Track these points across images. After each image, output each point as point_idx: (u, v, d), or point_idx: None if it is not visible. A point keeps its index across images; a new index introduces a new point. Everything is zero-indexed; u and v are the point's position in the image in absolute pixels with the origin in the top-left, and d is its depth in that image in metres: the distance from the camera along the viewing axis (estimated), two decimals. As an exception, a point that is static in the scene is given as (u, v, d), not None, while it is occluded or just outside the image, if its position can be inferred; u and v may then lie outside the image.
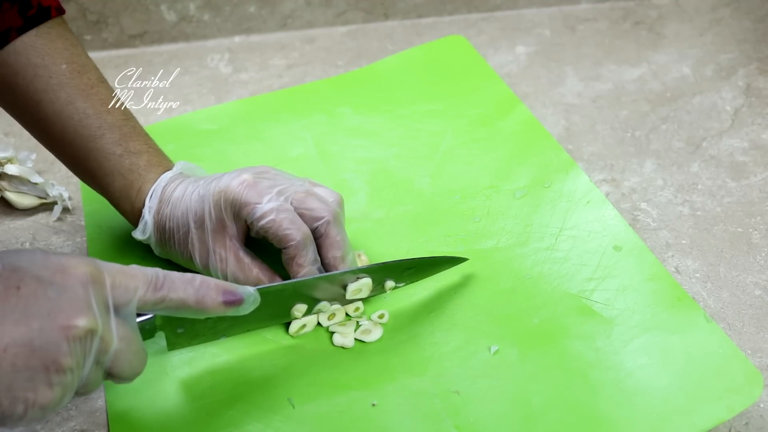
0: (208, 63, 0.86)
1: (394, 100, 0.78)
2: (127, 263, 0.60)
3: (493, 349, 0.54)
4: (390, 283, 0.57)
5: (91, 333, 0.40)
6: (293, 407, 0.51)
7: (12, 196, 0.67)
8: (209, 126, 0.74)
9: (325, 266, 0.56)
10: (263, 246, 0.57)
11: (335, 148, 0.72)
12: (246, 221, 0.54)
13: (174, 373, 0.53)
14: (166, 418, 0.51)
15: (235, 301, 0.47)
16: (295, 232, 0.53)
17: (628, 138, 0.76)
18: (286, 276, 0.56)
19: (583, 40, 0.89)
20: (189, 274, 0.46)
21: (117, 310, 0.42)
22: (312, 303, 0.55)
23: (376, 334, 0.55)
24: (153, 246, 0.59)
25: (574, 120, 0.78)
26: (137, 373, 0.44)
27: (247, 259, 0.55)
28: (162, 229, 0.57)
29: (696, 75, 0.84)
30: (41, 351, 0.38)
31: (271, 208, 0.53)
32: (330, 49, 0.88)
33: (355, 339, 0.55)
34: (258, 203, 0.53)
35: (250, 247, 0.56)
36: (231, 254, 0.55)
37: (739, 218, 0.67)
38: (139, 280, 0.43)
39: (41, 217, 0.67)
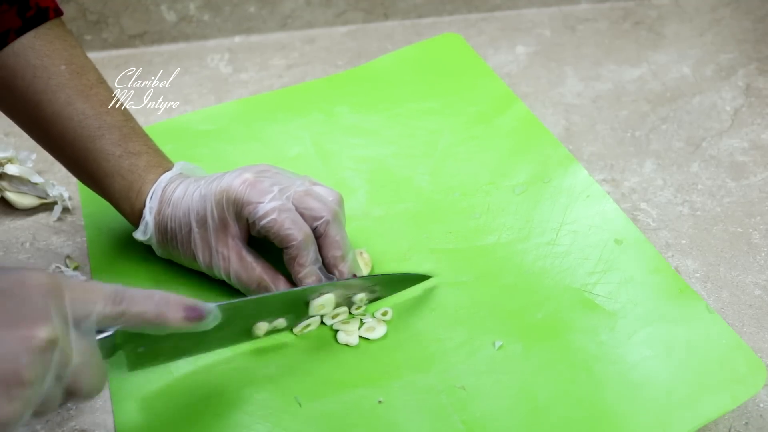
0: (208, 63, 0.86)
1: (391, 98, 0.78)
2: (128, 265, 0.60)
3: (498, 344, 0.54)
4: (360, 296, 0.56)
5: (51, 344, 0.39)
6: (300, 406, 0.51)
7: (12, 196, 0.67)
8: (207, 126, 0.74)
9: (325, 266, 0.56)
10: (265, 245, 0.57)
11: (333, 147, 0.72)
12: (248, 220, 0.54)
13: (179, 374, 0.53)
14: (174, 420, 0.51)
15: (196, 316, 0.45)
16: (297, 232, 0.53)
17: (628, 138, 0.76)
18: (288, 275, 0.56)
19: (583, 40, 0.89)
20: (149, 290, 0.44)
21: (76, 324, 0.41)
22: (273, 319, 0.54)
23: (380, 331, 0.56)
24: (154, 247, 0.59)
25: (574, 120, 0.78)
26: (98, 391, 0.43)
27: (249, 258, 0.55)
28: (163, 230, 0.57)
29: (696, 75, 0.84)
30: (1, 362, 0.37)
31: (272, 208, 0.53)
32: (330, 49, 0.88)
33: (359, 337, 0.55)
34: (260, 202, 0.53)
35: (253, 246, 0.57)
36: (234, 253, 0.55)
37: (739, 218, 0.67)
38: (98, 295, 0.42)
39: (41, 217, 0.67)
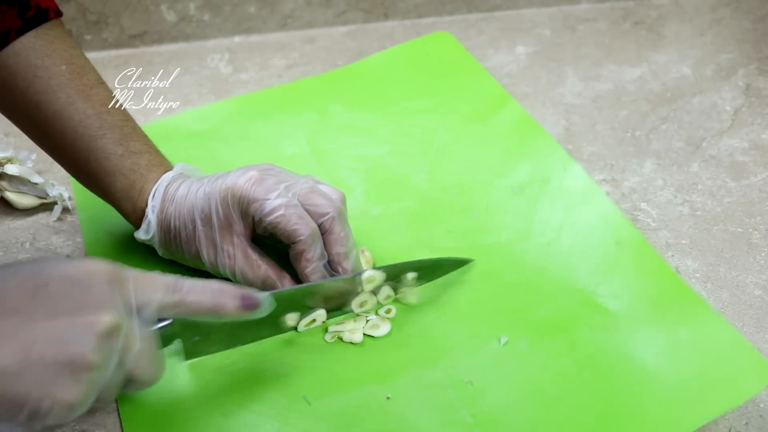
0: (208, 63, 0.86)
1: (384, 97, 0.78)
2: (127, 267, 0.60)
3: (503, 340, 0.55)
4: (412, 275, 0.57)
5: (116, 329, 0.40)
6: (309, 404, 0.51)
7: (12, 196, 0.67)
8: (200, 127, 0.74)
9: (329, 263, 0.56)
10: (267, 246, 0.57)
11: (329, 147, 0.72)
12: (254, 218, 0.54)
13: (186, 375, 0.53)
14: (181, 421, 0.51)
15: (251, 305, 0.47)
16: (304, 227, 0.54)
17: (628, 138, 0.76)
18: (292, 273, 0.56)
19: (583, 40, 0.89)
20: (206, 280, 0.46)
21: (138, 312, 0.43)
22: (319, 306, 0.55)
23: (384, 329, 0.56)
24: (156, 246, 0.58)
25: (574, 120, 0.78)
26: (156, 379, 0.44)
27: (255, 256, 0.55)
28: (167, 228, 0.57)
29: (696, 75, 0.84)
30: (69, 346, 0.39)
31: (279, 204, 0.54)
32: (330, 49, 0.88)
33: (364, 334, 0.55)
34: (266, 199, 0.54)
35: (255, 245, 0.56)
36: (239, 251, 0.55)
37: (739, 218, 0.67)
38: (157, 284, 0.44)
39: (41, 217, 0.67)
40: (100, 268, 0.41)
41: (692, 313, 0.56)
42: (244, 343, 0.54)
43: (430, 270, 0.58)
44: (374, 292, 0.56)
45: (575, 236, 0.62)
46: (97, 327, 0.39)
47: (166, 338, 0.48)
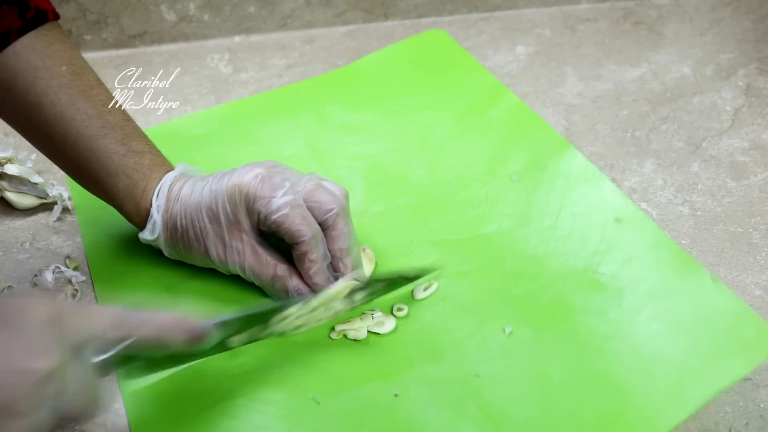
0: (208, 63, 0.86)
1: (380, 95, 0.78)
2: (127, 270, 0.60)
3: (508, 330, 0.55)
4: (360, 294, 0.55)
5: (49, 377, 0.38)
6: (318, 403, 0.51)
7: (12, 196, 0.67)
8: (198, 131, 0.74)
9: (330, 259, 0.56)
10: (272, 245, 0.57)
11: (327, 146, 0.72)
12: (259, 215, 0.54)
13: (190, 378, 0.53)
14: (189, 424, 0.51)
15: (197, 338, 0.46)
16: (307, 228, 0.54)
17: (628, 138, 0.76)
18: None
19: (583, 40, 0.89)
20: (149, 313, 0.45)
21: (75, 352, 0.41)
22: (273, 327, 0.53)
23: (389, 325, 0.56)
24: (162, 246, 0.58)
25: (574, 120, 0.78)
26: (90, 417, 0.42)
27: (264, 253, 0.55)
28: (173, 228, 0.57)
29: (696, 75, 0.84)
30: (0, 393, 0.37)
31: (285, 203, 0.54)
32: (330, 49, 0.88)
33: (369, 331, 0.55)
34: (272, 197, 0.54)
35: (263, 239, 0.56)
36: (248, 248, 0.55)
37: (739, 218, 0.67)
38: (99, 321, 0.42)
39: (41, 217, 0.67)
40: (36, 308, 0.39)
41: (695, 284, 0.57)
42: (185, 363, 0.52)
43: (394, 282, 0.57)
44: (349, 296, 0.55)
45: (575, 217, 0.63)
46: (29, 374, 0.38)
47: (106, 367, 0.45)
